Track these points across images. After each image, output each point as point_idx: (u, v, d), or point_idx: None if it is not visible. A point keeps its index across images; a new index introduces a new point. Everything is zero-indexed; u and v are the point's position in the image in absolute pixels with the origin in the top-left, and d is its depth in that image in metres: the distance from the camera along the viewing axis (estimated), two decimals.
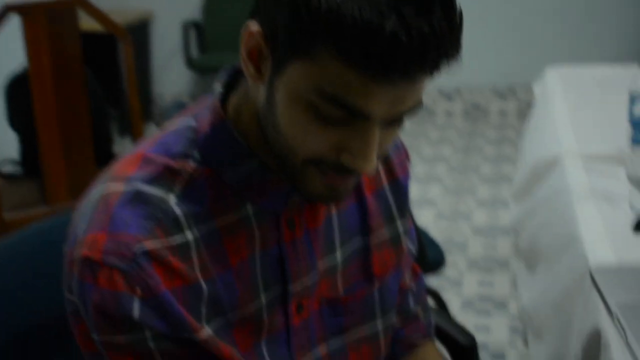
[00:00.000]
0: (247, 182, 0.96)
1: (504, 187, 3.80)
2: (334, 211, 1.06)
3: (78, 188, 2.35)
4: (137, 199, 0.93)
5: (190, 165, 0.95)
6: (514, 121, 4.83)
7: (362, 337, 1.11)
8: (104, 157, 2.50)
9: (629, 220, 1.50)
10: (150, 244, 0.91)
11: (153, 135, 1.01)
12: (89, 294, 0.91)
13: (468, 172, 4.07)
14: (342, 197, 0.96)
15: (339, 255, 1.07)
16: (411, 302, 1.20)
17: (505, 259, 3.11)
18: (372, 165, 0.88)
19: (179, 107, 2.69)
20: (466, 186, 3.89)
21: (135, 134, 2.65)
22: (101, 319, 0.91)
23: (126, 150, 1.00)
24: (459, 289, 2.90)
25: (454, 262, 3.11)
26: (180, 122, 0.99)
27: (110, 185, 0.95)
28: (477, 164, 4.18)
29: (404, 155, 1.15)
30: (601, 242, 1.43)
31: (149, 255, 0.90)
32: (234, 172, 0.96)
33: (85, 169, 2.46)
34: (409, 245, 1.19)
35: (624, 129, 1.74)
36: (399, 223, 1.14)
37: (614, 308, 1.17)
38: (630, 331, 1.10)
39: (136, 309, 0.90)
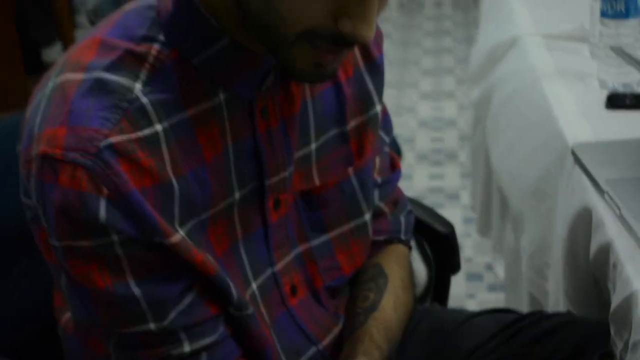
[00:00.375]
0: (219, 63, 0.87)
1: (446, 79, 3.76)
2: (309, 97, 0.98)
3: (7, 96, 2.27)
4: (99, 88, 0.83)
5: (155, 48, 0.86)
6: (449, 11, 4.76)
7: (347, 231, 1.05)
8: (34, 64, 2.38)
9: (600, 97, 1.45)
10: (116, 138, 0.82)
11: (108, 17, 0.90)
12: (50, 195, 0.82)
13: (408, 66, 4.01)
14: (329, 75, 0.88)
15: (314, 144, 0.99)
16: (376, 196, 1.11)
17: (454, 150, 3.09)
18: (372, 30, 0.81)
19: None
20: (408, 80, 3.83)
21: (65, 40, 2.52)
22: (63, 221, 0.83)
23: (57, 57, 0.89)
24: (409, 183, 2.87)
25: (403, 157, 3.07)
26: (137, 2, 0.89)
27: (66, 75, 0.84)
28: (416, 57, 4.12)
29: (379, 32, 1.06)
30: (576, 120, 1.38)
31: (116, 150, 0.81)
32: (204, 54, 0.87)
33: (14, 76, 2.34)
34: (382, 135, 1.11)
35: (583, 7, 1.68)
36: (378, 108, 1.06)
37: (603, 184, 1.12)
38: (623, 205, 1.06)
39: (102, 211, 0.81)
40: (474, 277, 2.35)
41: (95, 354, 0.98)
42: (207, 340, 0.91)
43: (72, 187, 0.81)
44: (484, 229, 2.04)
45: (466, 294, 2.28)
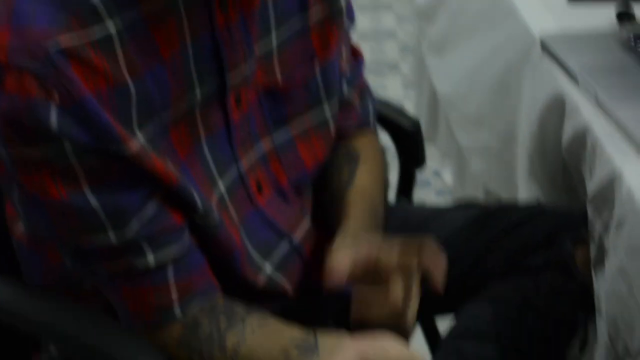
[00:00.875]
0: None
1: None
2: None
3: None
4: None
5: None
6: None
7: (309, 127, 1.03)
8: None
9: None
10: (65, 40, 0.76)
11: None
12: None
13: None
14: None
15: (274, 38, 0.96)
16: (345, 87, 1.09)
17: (395, 62, 3.07)
18: None
19: None
20: None
21: None
22: (11, 130, 0.78)
23: None
24: None
25: None
26: None
27: None
28: None
29: None
30: (540, 14, 1.37)
31: (66, 52, 0.76)
32: None
33: None
34: (348, 23, 1.08)
35: None
36: (342, 2, 1.03)
37: (576, 71, 1.11)
38: (599, 89, 1.06)
39: (53, 118, 0.77)
40: (422, 183, 2.35)
41: (54, 266, 0.95)
42: (172, 251, 0.88)
43: (20, 93, 0.76)
44: (431, 135, 2.04)
45: (415, 200, 2.28)
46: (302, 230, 1.05)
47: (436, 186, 2.35)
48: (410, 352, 0.83)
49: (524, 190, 1.29)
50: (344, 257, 0.92)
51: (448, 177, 2.29)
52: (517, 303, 1.07)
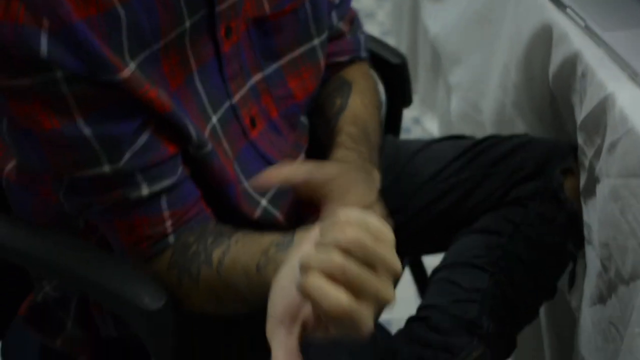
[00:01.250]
0: None
1: None
2: None
3: None
4: None
5: None
6: None
7: (299, 58, 1.02)
8: None
9: None
10: None
11: None
12: None
13: None
14: None
15: None
16: (334, 17, 1.09)
17: (371, 10, 3.05)
18: None
19: None
20: None
21: None
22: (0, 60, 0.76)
23: None
24: None
25: None
26: None
27: None
28: None
29: None
30: None
31: None
32: None
33: None
34: None
35: None
36: None
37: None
38: (588, 16, 1.05)
39: (44, 45, 0.75)
40: (402, 130, 2.35)
41: (45, 203, 0.95)
42: (166, 182, 0.88)
43: (7, 19, 0.74)
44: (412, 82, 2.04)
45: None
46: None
47: (416, 133, 2.34)
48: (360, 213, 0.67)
49: (512, 127, 1.29)
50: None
51: (428, 124, 2.29)
52: (508, 232, 1.08)
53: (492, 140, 1.18)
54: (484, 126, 1.46)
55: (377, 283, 0.62)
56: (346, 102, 1.07)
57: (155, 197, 0.88)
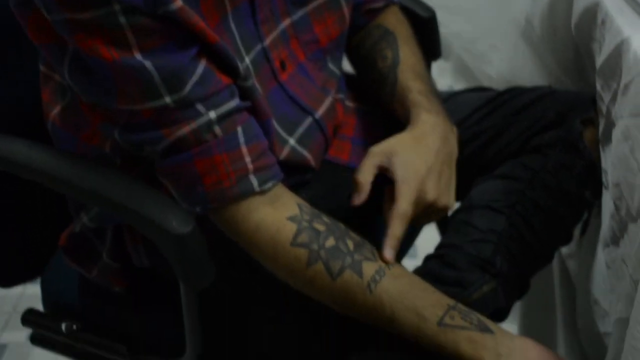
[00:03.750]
0: None
1: None
2: None
3: None
4: None
5: None
6: None
7: (323, 5, 1.07)
8: None
9: None
10: None
11: None
12: None
13: None
14: None
15: None
16: None
17: None
18: None
19: None
20: None
21: None
22: None
23: None
24: None
25: None
26: None
27: None
28: None
29: None
30: None
31: None
32: None
33: None
34: None
35: None
36: None
37: None
38: None
39: None
40: None
41: (87, 145, 0.98)
42: (232, 104, 0.90)
43: None
44: None
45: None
46: (324, 107, 1.08)
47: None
48: None
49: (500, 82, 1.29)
50: (368, 172, 0.98)
51: (443, 80, 2.28)
52: (527, 178, 1.09)
53: (515, 91, 1.20)
54: (491, 78, 1.47)
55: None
56: (397, 54, 1.10)
57: (230, 128, 0.89)
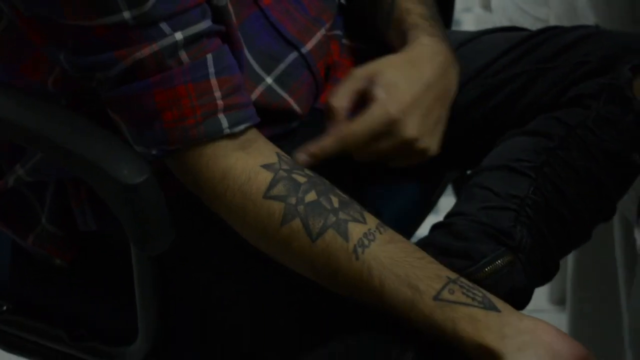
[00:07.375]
0: None
1: None
2: None
3: None
4: None
5: None
6: None
7: None
8: None
9: None
10: None
11: None
12: None
13: None
14: None
15: None
16: None
17: None
18: None
19: None
20: None
21: None
22: None
23: None
24: None
25: None
26: None
27: None
28: None
29: None
30: None
31: None
32: None
33: None
34: None
35: None
36: None
37: None
38: None
39: None
40: (453, 23, 2.26)
41: (27, 80, 0.89)
42: (201, 26, 0.80)
43: None
44: None
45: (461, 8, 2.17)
46: (314, 40, 0.98)
47: (467, 24, 2.19)
48: None
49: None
50: (344, 96, 0.90)
51: (479, 10, 2.16)
52: (560, 135, 0.94)
53: (553, 31, 1.05)
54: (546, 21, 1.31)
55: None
56: None
57: (198, 55, 0.79)
